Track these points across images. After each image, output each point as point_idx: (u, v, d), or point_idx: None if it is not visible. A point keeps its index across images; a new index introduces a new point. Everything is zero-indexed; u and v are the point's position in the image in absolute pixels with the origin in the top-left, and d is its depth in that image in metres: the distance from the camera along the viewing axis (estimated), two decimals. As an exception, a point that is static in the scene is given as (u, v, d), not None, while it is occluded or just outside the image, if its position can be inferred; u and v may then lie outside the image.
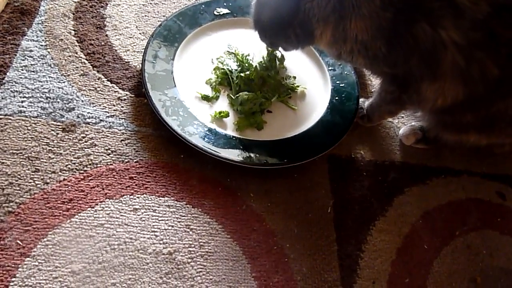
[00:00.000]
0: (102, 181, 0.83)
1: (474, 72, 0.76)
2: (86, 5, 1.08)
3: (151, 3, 1.13)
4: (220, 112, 0.94)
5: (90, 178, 0.83)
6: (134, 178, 0.84)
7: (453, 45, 0.74)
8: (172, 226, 0.80)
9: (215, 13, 1.09)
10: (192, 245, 0.79)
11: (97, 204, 0.80)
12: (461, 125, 0.88)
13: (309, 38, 0.84)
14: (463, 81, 0.78)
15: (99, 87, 0.95)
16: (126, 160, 0.86)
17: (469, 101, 0.81)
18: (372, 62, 0.83)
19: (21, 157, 0.82)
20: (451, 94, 0.80)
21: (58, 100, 0.91)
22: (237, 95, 0.95)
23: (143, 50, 0.98)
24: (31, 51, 0.97)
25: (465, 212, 0.95)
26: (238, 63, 1.01)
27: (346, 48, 0.82)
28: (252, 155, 0.88)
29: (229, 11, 1.10)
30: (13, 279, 0.70)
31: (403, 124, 1.05)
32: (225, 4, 1.11)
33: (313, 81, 1.05)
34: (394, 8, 0.73)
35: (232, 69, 0.99)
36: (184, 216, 0.82)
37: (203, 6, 1.09)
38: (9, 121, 0.86)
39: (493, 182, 1.01)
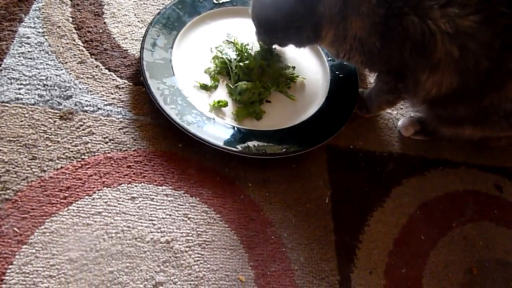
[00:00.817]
0: (100, 169, 0.82)
1: (468, 62, 0.77)
2: (84, -9, 1.07)
3: (149, -9, 1.12)
4: (219, 102, 0.93)
5: (87, 166, 0.82)
6: (132, 166, 0.84)
7: (442, 35, 0.76)
8: (170, 215, 0.80)
9: (215, 1, 1.08)
10: (190, 234, 0.79)
11: (94, 193, 0.80)
12: (456, 119, 0.90)
13: (317, 38, 0.87)
14: (458, 70, 0.79)
15: (97, 75, 0.94)
16: (124, 149, 0.86)
17: (461, 92, 0.82)
18: (367, 58, 0.86)
19: (18, 144, 0.82)
20: (445, 83, 0.81)
21: (56, 87, 0.90)
22: (236, 84, 0.95)
23: (141, 38, 0.97)
24: (28, 38, 0.96)
25: (462, 203, 0.95)
26: (237, 53, 1.00)
27: (345, 46, 0.85)
28: (250, 144, 0.88)
29: (229, 0, 1.09)
30: (10, 266, 0.70)
31: (402, 115, 1.05)
32: (224, -8, 1.10)
33: (312, 71, 1.04)
34: (387, 4, 0.77)
35: (231, 59, 0.98)
36: (182, 205, 0.82)
37: (202, -6, 1.08)
38: (6, 108, 0.86)
39: (491, 174, 1.01)
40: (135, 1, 1.09)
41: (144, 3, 1.09)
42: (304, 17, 0.83)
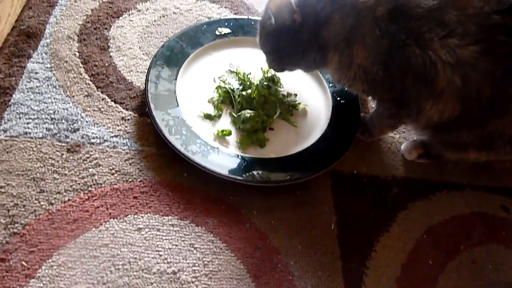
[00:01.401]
0: (107, 201, 0.83)
1: (471, 91, 0.79)
2: (91, 27, 1.10)
3: (153, 24, 1.15)
4: (222, 131, 0.95)
5: (94, 198, 0.83)
6: (138, 197, 0.85)
7: (444, 64, 0.78)
8: (176, 245, 0.81)
9: (217, 33, 1.11)
10: (196, 264, 0.79)
11: (101, 224, 0.80)
12: (460, 144, 0.90)
13: (324, 61, 0.89)
14: (460, 99, 0.80)
15: (103, 108, 0.97)
16: (130, 180, 0.87)
17: (464, 119, 0.83)
18: (370, 87, 0.88)
19: (27, 178, 0.83)
20: (448, 111, 0.83)
21: (63, 121, 0.92)
22: (239, 113, 0.96)
23: (146, 71, 1.00)
24: (36, 73, 0.99)
25: (469, 226, 0.95)
26: (240, 82, 1.02)
27: (350, 74, 0.87)
28: (255, 172, 0.89)
29: (230, 31, 1.12)
30: (18, 301, 0.71)
31: (405, 139, 1.06)
32: (226, 24, 1.13)
33: (314, 98, 1.06)
34: (390, 35, 0.79)
35: (234, 88, 1.00)
36: (188, 235, 0.82)
37: (204, 26, 1.11)
38: (15, 142, 0.87)
39: (497, 195, 1.01)
40: (139, 35, 1.12)
41: (148, 37, 1.13)
42: (309, 41, 0.85)
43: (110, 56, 1.06)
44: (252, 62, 1.05)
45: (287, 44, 0.88)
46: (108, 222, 0.81)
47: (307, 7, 0.82)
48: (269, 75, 1.03)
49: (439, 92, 0.81)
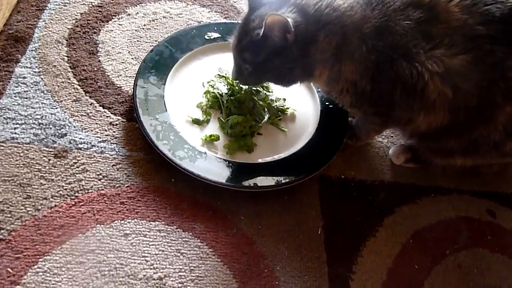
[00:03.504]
0: (93, 206, 0.83)
1: (461, 101, 0.80)
2: (80, 31, 1.10)
3: (143, 29, 1.15)
4: (210, 136, 0.95)
5: (81, 204, 0.83)
6: (125, 203, 0.85)
7: (432, 74, 0.78)
8: (163, 251, 0.81)
9: (206, 37, 1.11)
10: (183, 270, 0.80)
11: (88, 230, 0.80)
12: (447, 150, 0.92)
13: (310, 77, 0.90)
14: (451, 109, 0.82)
15: (91, 113, 0.97)
16: (118, 185, 0.87)
17: (452, 127, 0.84)
18: (357, 100, 0.89)
19: (13, 184, 0.83)
20: (436, 121, 0.84)
21: (51, 126, 0.92)
22: (228, 118, 0.97)
23: (135, 75, 1.00)
24: (24, 77, 0.99)
25: (456, 230, 0.96)
26: (229, 87, 1.02)
27: (338, 87, 0.88)
28: (242, 178, 0.89)
29: (220, 35, 1.12)
30: (3, 307, 0.71)
31: (393, 143, 1.07)
32: (215, 28, 1.13)
33: (302, 102, 1.06)
34: (378, 52, 0.80)
35: (222, 93, 1.01)
36: (174, 240, 0.83)
37: (194, 30, 1.12)
38: (2, 148, 0.87)
39: (483, 199, 1.02)
40: (129, 39, 1.12)
41: (137, 41, 1.13)
42: (297, 58, 0.84)
43: (99, 61, 1.06)
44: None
45: (272, 59, 0.84)
46: (94, 228, 0.81)
47: (297, 25, 0.81)
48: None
49: (431, 104, 0.82)
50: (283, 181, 0.90)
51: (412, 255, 0.90)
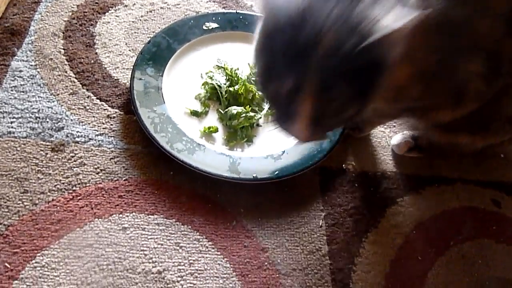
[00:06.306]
0: (91, 200, 0.83)
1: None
2: (76, 23, 1.09)
3: (140, 20, 1.14)
4: (209, 128, 0.93)
5: (79, 198, 0.82)
6: (123, 196, 0.84)
7: (475, 75, 0.74)
8: (162, 245, 0.80)
9: (204, 27, 1.09)
10: (182, 263, 0.79)
11: (86, 224, 0.80)
12: (453, 126, 0.87)
13: None
14: (482, 98, 0.78)
15: (88, 106, 0.95)
16: (115, 179, 0.86)
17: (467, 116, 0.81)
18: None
19: (10, 178, 0.82)
20: (465, 111, 0.80)
21: (47, 119, 0.91)
22: (226, 109, 0.95)
23: (132, 67, 0.98)
24: (20, 71, 0.98)
25: (460, 221, 0.94)
26: (227, 78, 1.01)
27: None
28: (241, 170, 0.88)
29: (218, 26, 1.10)
30: (1, 303, 0.70)
31: (395, 133, 1.05)
32: (214, 18, 1.11)
33: (303, 93, 1.04)
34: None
35: (221, 84, 0.99)
36: (173, 233, 0.82)
37: (192, 21, 1.10)
38: (-2, 142, 0.87)
39: (488, 189, 1.00)
40: (126, 31, 1.11)
41: (135, 32, 1.11)
42: None
43: (96, 53, 1.05)
44: (240, 57, 1.04)
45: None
46: (92, 222, 0.80)
47: None
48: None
49: (464, 101, 0.78)
50: (283, 173, 0.88)
51: (416, 246, 0.88)
